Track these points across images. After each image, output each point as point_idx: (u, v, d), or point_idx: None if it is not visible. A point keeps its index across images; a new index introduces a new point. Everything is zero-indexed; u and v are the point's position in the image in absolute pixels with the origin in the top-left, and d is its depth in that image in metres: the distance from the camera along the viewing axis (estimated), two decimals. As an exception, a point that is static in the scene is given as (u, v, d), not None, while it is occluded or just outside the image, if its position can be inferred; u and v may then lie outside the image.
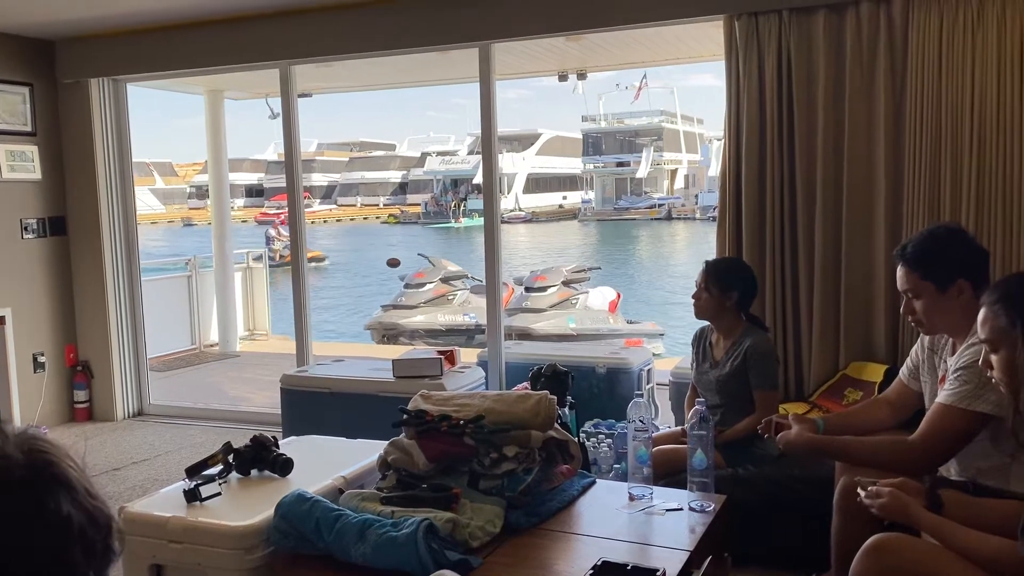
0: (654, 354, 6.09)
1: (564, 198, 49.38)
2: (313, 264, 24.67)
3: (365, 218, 48.08)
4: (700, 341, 3.42)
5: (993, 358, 1.93)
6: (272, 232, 23.41)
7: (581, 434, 4.15)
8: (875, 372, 3.77)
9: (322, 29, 4.95)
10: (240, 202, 49.85)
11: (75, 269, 5.79)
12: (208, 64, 5.36)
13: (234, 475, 2.61)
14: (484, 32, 4.63)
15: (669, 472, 3.00)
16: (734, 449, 3.18)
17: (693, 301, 3.29)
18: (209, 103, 7.74)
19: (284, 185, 5.51)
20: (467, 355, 5.09)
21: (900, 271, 2.45)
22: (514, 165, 45.02)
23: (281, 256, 23.51)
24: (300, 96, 5.70)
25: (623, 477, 2.94)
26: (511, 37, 4.64)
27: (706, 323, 3.39)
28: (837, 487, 2.56)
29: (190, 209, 49.83)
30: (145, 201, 43.09)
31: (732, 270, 3.37)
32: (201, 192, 46.36)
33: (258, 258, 8.90)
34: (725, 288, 3.24)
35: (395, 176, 52.37)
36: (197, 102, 7.79)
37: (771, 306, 4.04)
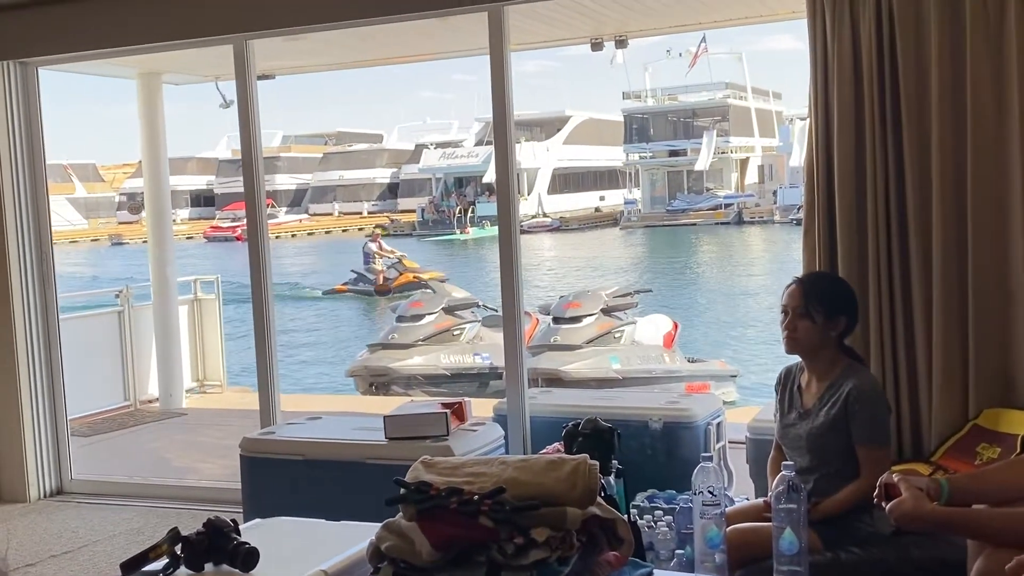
0: (725, 402, 6.07)
1: (601, 199, 49.46)
2: (431, 292, 23.65)
3: (344, 230, 48.35)
4: (786, 383, 3.41)
5: None
6: (372, 246, 23.05)
7: (632, 510, 4.14)
8: (1017, 422, 3.73)
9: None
10: (184, 213, 50.39)
11: (-26, 306, 5.85)
12: (142, 40, 5.43)
13: (183, 571, 2.61)
14: (495, -9, 4.69)
15: (749, 558, 2.98)
16: (833, 526, 3.15)
17: (786, 332, 3.28)
18: (143, 89, 7.85)
19: (241, 190, 5.57)
20: (480, 408, 5.08)
21: None
22: (536, 158, 45.21)
23: (386, 279, 22.63)
24: (260, 78, 5.78)
25: (689, 566, 2.93)
26: (529, -4, 4.70)
27: (794, 360, 3.38)
28: (971, 574, 2.53)
29: (120, 224, 50.38)
30: (63, 214, 43.60)
31: (837, 289, 3.39)
32: (135, 203, 46.87)
33: (208, 286, 8.97)
34: (831, 313, 3.24)
35: (383, 175, 52.72)
36: (128, 88, 7.91)
37: (876, 337, 4.03)
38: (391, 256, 23.45)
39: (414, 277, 22.08)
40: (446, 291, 12.51)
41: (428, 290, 12.59)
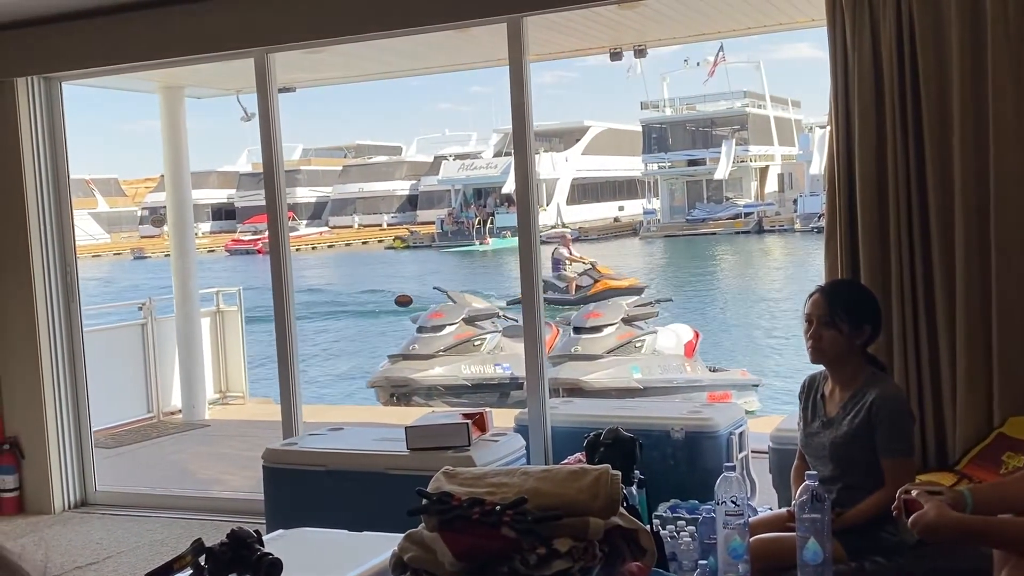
0: (747, 412, 6.04)
1: (620, 209, 49.49)
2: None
3: (364, 242, 48.61)
4: (810, 392, 3.39)
5: None
6: (563, 252, 21.47)
7: (654, 520, 4.12)
8: (1043, 429, 3.70)
9: (308, 7, 5.05)
10: (206, 226, 50.75)
11: None
12: (165, 55, 5.47)
13: (206, 582, 2.61)
14: (514, 2, 4.70)
15: (773, 569, 2.96)
16: (857, 536, 3.13)
17: (810, 342, 3.26)
18: (165, 103, 7.91)
19: (262, 203, 5.59)
20: (501, 418, 5.08)
21: None
22: (554, 168, 45.28)
23: (579, 287, 20.71)
24: (281, 91, 5.81)
25: (712, 576, 2.91)
26: (548, 8, 4.70)
27: (818, 368, 3.37)
28: (998, 585, 2.51)
29: (142, 238, 50.76)
30: (86, 229, 43.99)
31: (861, 298, 3.38)
32: (157, 216, 47.22)
33: (230, 298, 9.01)
34: (856, 322, 3.23)
35: (402, 187, 52.96)
36: (150, 102, 7.97)
37: (900, 346, 4.00)
38: (583, 262, 21.57)
39: (611, 285, 20.33)
40: (466, 301, 12.51)
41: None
